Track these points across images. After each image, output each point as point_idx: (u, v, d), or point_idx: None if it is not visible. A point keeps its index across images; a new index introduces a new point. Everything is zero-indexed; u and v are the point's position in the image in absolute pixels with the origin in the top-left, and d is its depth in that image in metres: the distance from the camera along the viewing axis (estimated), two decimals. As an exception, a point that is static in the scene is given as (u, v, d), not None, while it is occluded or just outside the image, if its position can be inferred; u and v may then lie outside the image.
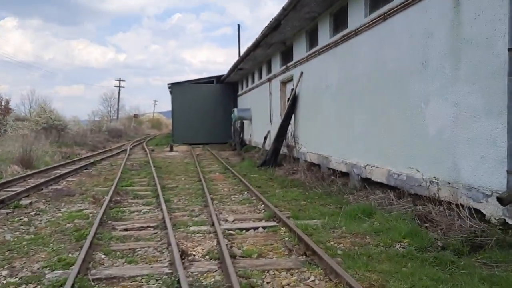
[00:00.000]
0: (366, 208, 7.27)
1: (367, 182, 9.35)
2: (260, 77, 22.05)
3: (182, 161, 18.34)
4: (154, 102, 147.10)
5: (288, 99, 15.21)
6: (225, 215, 7.64)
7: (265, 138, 19.68)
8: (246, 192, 10.11)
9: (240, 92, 29.67)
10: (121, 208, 8.35)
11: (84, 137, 33.70)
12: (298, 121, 14.75)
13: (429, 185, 6.94)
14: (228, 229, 6.50)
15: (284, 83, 17.34)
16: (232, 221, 7.11)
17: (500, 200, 5.18)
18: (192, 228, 6.65)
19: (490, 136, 5.63)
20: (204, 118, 30.71)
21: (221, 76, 30.19)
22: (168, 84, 30.42)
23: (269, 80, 19.36)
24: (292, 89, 14.97)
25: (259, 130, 22.07)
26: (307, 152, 13.60)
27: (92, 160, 18.08)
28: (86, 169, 15.50)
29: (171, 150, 24.79)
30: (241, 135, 27.07)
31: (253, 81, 24.27)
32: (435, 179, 6.76)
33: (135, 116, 64.46)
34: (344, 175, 10.62)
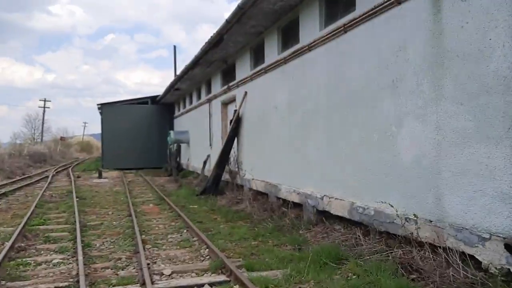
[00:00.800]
0: (331, 250, 6.06)
1: (325, 215, 8.22)
2: (199, 97, 20.69)
3: (111, 190, 16.34)
4: (84, 124, 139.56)
5: (231, 121, 13.96)
6: (161, 265, 6.09)
7: (205, 162, 18.22)
8: (185, 230, 8.59)
9: (177, 113, 28.03)
10: (24, 259, 6.51)
11: (0, 163, 30.22)
12: (242, 145, 13.51)
13: (404, 223, 5.89)
14: (164, 289, 4.99)
15: (225, 104, 16.11)
16: (170, 275, 5.58)
17: (508, 247, 4.18)
18: (115, 290, 5.06)
19: (486, 167, 4.67)
20: (137, 141, 28.60)
21: (156, 96, 28.42)
22: (98, 104, 28.07)
23: (209, 100, 18.05)
24: (235, 110, 13.77)
25: (198, 154, 20.58)
26: (252, 179, 12.35)
27: (3, 191, 15.55)
28: (-8, 202, 13.12)
29: (100, 176, 22.48)
30: (178, 159, 25.33)
31: (191, 102, 22.83)
32: (413, 216, 5.72)
33: (62, 138, 60.06)
34: (297, 206, 9.45)
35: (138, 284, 5.19)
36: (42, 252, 7.04)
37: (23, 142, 57.75)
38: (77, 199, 12.81)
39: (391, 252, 5.60)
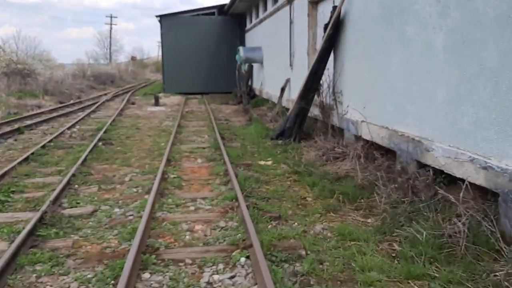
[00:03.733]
0: None
1: None
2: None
3: (158, 126, 12.31)
4: (158, 43, 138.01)
5: (325, 26, 8.81)
6: None
7: (283, 89, 13.44)
8: (247, 251, 4.10)
9: (248, 26, 22.92)
10: None
11: (59, 84, 27.77)
12: (344, 63, 8.46)
13: None
14: None
15: (314, 2, 10.85)
16: None
17: None
18: None
19: None
20: (203, 60, 24.24)
21: (224, 5, 23.36)
22: (157, 16, 23.66)
23: (290, 1, 12.79)
24: (334, 8, 8.55)
25: (274, 78, 15.78)
26: (363, 121, 7.43)
27: (25, 123, 12.17)
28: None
29: (156, 103, 18.69)
30: (250, 83, 20.75)
31: (265, 8, 17.58)
32: None
33: (133, 58, 57.90)
34: (474, 188, 4.55)
35: None
36: None
37: (92, 62, 56.37)
38: (100, 144, 8.89)
39: None
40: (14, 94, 21.62)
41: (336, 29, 8.48)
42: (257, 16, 19.49)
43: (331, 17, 8.52)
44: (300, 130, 9.64)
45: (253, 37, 21.31)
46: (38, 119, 13.33)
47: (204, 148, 8.79)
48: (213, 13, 24.62)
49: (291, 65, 12.98)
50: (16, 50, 25.23)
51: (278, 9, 14.58)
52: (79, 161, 6.99)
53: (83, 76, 34.44)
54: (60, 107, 17.73)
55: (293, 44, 12.72)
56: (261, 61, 18.44)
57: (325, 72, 9.10)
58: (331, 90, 9.04)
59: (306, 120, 9.78)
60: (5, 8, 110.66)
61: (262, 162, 7.63)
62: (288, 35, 13.04)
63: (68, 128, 11.05)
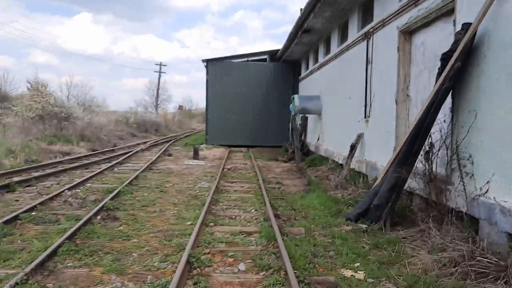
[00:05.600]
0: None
1: None
2: (343, 38, 12.69)
3: (191, 187, 9.45)
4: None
5: (446, 57, 5.75)
6: None
7: (353, 147, 10.36)
8: None
9: (303, 73, 20.36)
10: None
11: (98, 130, 26.14)
12: (478, 113, 5.31)
13: None
14: None
15: (408, 32, 7.94)
16: None
17: None
18: None
19: None
20: (250, 110, 21.76)
21: (277, 51, 21.06)
22: (203, 60, 21.63)
23: (367, 36, 9.99)
24: (464, 28, 5.53)
25: (337, 132, 12.80)
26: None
27: (26, 177, 9.71)
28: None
29: (195, 156, 16.04)
30: (303, 138, 17.87)
31: (327, 51, 14.91)
32: None
33: (180, 107, 57.02)
34: None
35: None
36: None
37: (141, 110, 55.85)
38: (99, 218, 6.07)
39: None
40: (45, 139, 19.84)
41: (463, 59, 5.44)
42: (316, 61, 16.87)
43: (456, 41, 5.50)
44: (391, 210, 6.46)
45: (308, 85, 18.63)
46: (50, 170, 10.93)
47: (250, 234, 5.72)
48: (264, 60, 22.37)
49: (366, 116, 9.96)
50: (52, 92, 23.66)
51: (347, 48, 11.81)
52: (42, 256, 4.12)
53: (125, 123, 32.98)
54: (86, 156, 15.47)
55: (370, 90, 9.77)
56: (319, 112, 15.57)
57: (433, 124, 6.00)
58: (449, 154, 5.87)
59: (401, 195, 6.60)
60: (67, 59, 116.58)
61: (348, 273, 4.47)
62: (362, 79, 10.14)
63: (72, 187, 8.37)
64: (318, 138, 15.78)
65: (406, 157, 6.08)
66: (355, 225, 6.53)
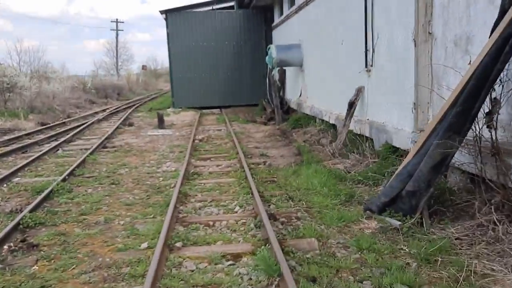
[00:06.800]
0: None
1: None
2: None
3: (154, 173, 7.33)
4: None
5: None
6: None
7: (352, 104, 8.36)
8: None
9: (277, 20, 17.91)
10: None
11: (50, 100, 23.30)
12: None
13: None
14: None
15: None
16: None
17: None
18: None
19: None
20: (220, 66, 19.35)
21: (245, -4, 18.44)
22: (161, 11, 18.79)
23: (365, -40, 7.75)
24: None
25: (326, 86, 10.76)
26: None
27: None
28: None
29: (160, 124, 13.77)
30: (282, 94, 15.79)
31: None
32: None
33: (144, 67, 53.39)
34: None
35: None
36: None
37: (103, 73, 51.97)
38: (5, 255, 3.99)
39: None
40: (-13, 114, 17.12)
41: None
42: (292, 3, 14.47)
43: None
44: (430, 198, 4.61)
45: (284, 33, 16.30)
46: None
47: (238, 259, 3.74)
48: (232, 7, 19.71)
49: (367, 65, 7.92)
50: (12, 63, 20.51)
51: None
52: None
53: (83, 89, 29.93)
54: (30, 133, 13.00)
55: (372, 31, 7.66)
56: (301, 64, 13.42)
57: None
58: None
59: (439, 176, 4.71)
60: (24, 23, 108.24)
61: None
62: (360, 17, 8.00)
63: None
64: (301, 94, 13.73)
65: (461, 122, 4.14)
66: (381, 219, 4.68)
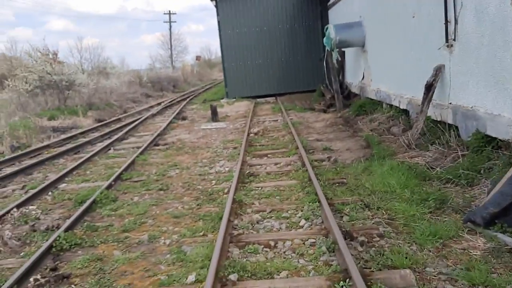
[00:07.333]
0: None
1: None
2: None
3: (206, 174, 6.62)
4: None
5: None
6: None
7: (430, 86, 7.14)
8: None
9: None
10: None
11: (107, 95, 23.57)
12: None
13: None
14: None
15: None
16: None
17: None
18: None
19: None
20: (274, 51, 18.39)
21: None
22: (211, -1, 18.14)
23: None
24: None
25: (394, 66, 9.51)
26: None
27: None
28: None
29: (214, 117, 13.12)
30: (341, 78, 14.61)
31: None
32: None
33: (198, 58, 53.50)
34: None
35: None
36: None
37: (159, 66, 52.69)
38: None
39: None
40: (46, 113, 17.39)
41: None
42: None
43: None
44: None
45: (341, 12, 15.02)
46: (29, 162, 8.37)
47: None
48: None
49: (448, 40, 6.67)
50: (52, 58, 20.82)
51: None
52: None
53: (139, 83, 30.17)
54: (85, 131, 12.86)
55: (454, -2, 6.39)
56: (362, 43, 12.18)
57: None
58: None
59: None
60: (83, 22, 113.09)
61: None
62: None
63: (28, 200, 5.67)
64: (363, 77, 12.50)
65: None
66: (489, 235, 3.62)
